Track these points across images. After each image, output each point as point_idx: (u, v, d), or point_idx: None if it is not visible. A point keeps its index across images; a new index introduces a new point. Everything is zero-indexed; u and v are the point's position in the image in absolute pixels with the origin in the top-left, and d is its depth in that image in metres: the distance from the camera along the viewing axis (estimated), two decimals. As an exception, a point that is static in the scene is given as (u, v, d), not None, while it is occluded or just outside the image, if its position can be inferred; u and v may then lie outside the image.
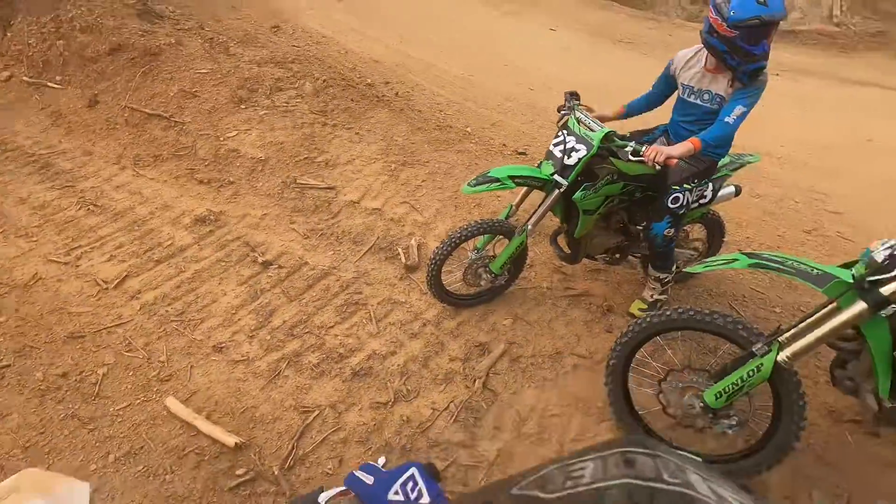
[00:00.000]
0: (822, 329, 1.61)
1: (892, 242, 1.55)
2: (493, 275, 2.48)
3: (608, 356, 2.09)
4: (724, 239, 2.77)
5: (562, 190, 2.20)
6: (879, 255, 1.53)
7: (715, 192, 2.34)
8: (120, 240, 3.14)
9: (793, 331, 1.70)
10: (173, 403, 2.21)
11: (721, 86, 2.10)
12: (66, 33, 4.69)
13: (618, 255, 2.55)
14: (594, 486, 0.32)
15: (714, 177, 2.31)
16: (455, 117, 4.57)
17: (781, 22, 1.95)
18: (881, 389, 1.66)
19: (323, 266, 2.95)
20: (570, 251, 2.52)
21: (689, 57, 2.20)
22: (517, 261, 2.53)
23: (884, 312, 1.50)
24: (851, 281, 1.55)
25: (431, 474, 1.08)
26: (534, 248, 3.06)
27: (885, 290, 1.47)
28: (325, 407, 2.24)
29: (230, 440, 2.06)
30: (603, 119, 2.32)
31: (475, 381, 2.34)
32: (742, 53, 1.92)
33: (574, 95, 2.30)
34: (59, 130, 4.21)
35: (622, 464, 0.33)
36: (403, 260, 2.96)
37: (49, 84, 4.58)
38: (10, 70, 4.71)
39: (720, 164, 2.33)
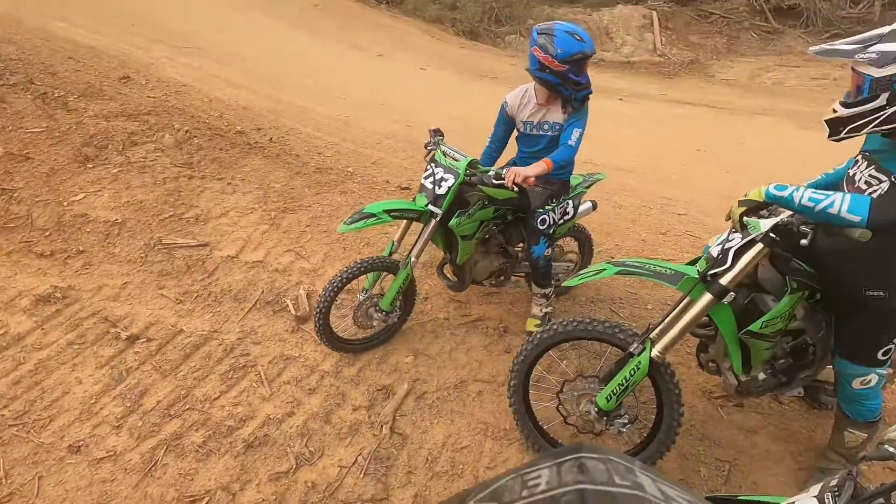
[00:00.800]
0: (683, 322, 1.79)
1: (723, 238, 1.79)
2: (384, 313, 2.44)
3: (508, 377, 2.14)
4: (594, 248, 3.02)
5: (438, 219, 2.27)
6: (715, 251, 1.76)
7: (575, 208, 2.59)
8: (-68, 337, 2.57)
9: (660, 327, 1.87)
10: (16, 529, 1.82)
11: (557, 115, 2.36)
12: None
13: (502, 277, 2.66)
14: (549, 493, 0.33)
15: (572, 195, 2.55)
16: (335, 158, 4.51)
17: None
18: (735, 366, 1.88)
19: (201, 331, 2.68)
20: (456, 279, 2.57)
21: (519, 97, 2.44)
22: (407, 295, 2.51)
23: (726, 300, 1.71)
24: (697, 276, 1.75)
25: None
26: (428, 281, 3.07)
27: (724, 281, 1.68)
28: (215, 490, 1.99)
29: (97, 558, 1.73)
30: None
31: (382, 427, 2.25)
32: (572, 83, 2.20)
33: (437, 132, 2.42)
34: None
35: (576, 470, 0.34)
36: (293, 311, 2.79)
37: None
38: None
39: (575, 183, 2.59)
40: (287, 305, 2.84)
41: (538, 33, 2.18)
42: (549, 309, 2.68)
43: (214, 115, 4.72)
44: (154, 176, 3.72)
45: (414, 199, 2.33)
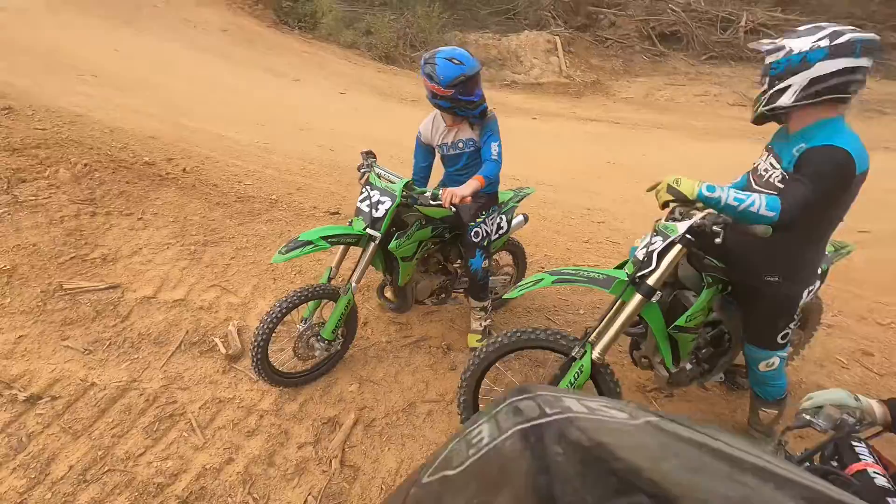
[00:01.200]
0: (618, 323, 1.89)
1: (646, 241, 1.92)
2: (326, 342, 2.36)
3: (457, 393, 2.13)
4: (527, 260, 3.14)
5: (376, 242, 2.24)
6: (640, 254, 1.89)
7: (509, 222, 2.67)
8: None
9: (597, 330, 1.97)
10: None
11: (467, 132, 2.47)
12: None
13: (443, 295, 2.68)
14: (493, 444, 0.33)
15: (504, 210, 2.64)
16: (257, 187, 4.34)
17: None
18: (666, 360, 2.02)
19: (118, 382, 2.42)
20: (398, 301, 2.55)
21: (430, 125, 2.54)
22: (349, 322, 2.45)
23: (654, 299, 1.84)
24: (627, 279, 1.87)
25: None
26: (366, 305, 3.02)
27: (651, 281, 1.81)
28: (147, 559, 1.78)
29: None
30: None
31: (331, 462, 2.15)
32: (465, 103, 2.31)
33: (370, 154, 2.41)
34: None
35: (511, 414, 0.35)
36: (223, 350, 2.61)
37: None
38: None
39: (507, 198, 2.68)
40: (216, 344, 2.65)
41: (424, 63, 2.29)
42: (487, 322, 2.72)
43: (118, 147, 4.36)
44: (49, 215, 3.35)
45: (350, 224, 2.29)
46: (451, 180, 2.58)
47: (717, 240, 1.67)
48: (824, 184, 1.56)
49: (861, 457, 0.94)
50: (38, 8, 7.99)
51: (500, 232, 2.63)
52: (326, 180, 4.83)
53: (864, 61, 1.55)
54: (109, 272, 3.06)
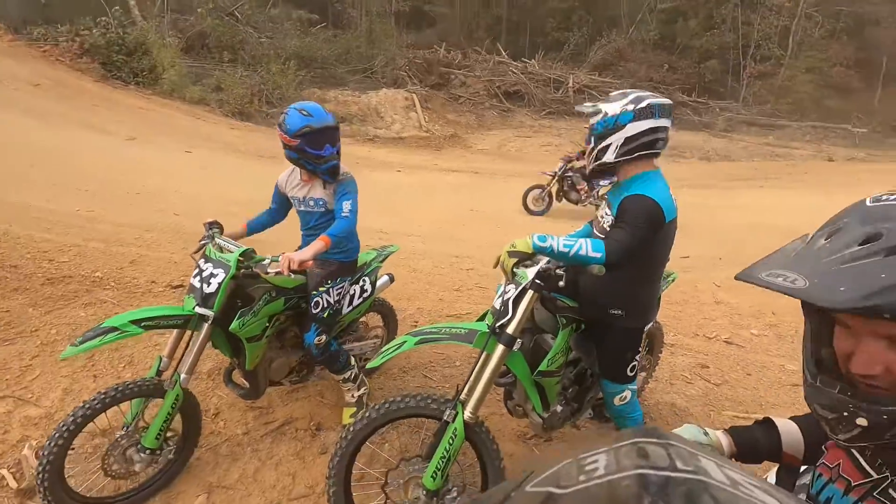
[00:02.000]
0: (485, 376, 1.83)
1: (502, 290, 1.93)
2: (148, 451, 1.91)
3: (326, 484, 1.87)
4: (401, 315, 3.02)
5: (210, 322, 1.94)
6: (497, 303, 1.88)
7: (373, 284, 2.54)
8: None
9: (467, 387, 1.89)
10: None
11: (318, 191, 2.35)
12: None
13: (305, 371, 2.41)
14: (607, 478, 0.31)
15: (368, 271, 2.52)
16: (75, 263, 3.66)
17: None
18: (536, 406, 2.00)
19: None
20: (249, 386, 2.22)
21: (287, 176, 2.44)
22: (188, 419, 2.04)
23: (516, 347, 1.83)
24: (487, 330, 1.84)
25: None
26: (217, 392, 2.60)
27: (510, 330, 1.80)
28: None
29: None
30: (235, 238, 2.28)
31: None
32: (312, 157, 2.21)
33: (214, 224, 2.17)
34: None
35: (634, 455, 0.33)
36: (13, 484, 2.01)
37: None
38: None
39: (370, 258, 2.56)
40: (2, 478, 2.03)
41: (281, 113, 2.26)
42: (361, 391, 2.51)
43: None
44: None
45: (183, 303, 1.95)
46: (305, 242, 2.41)
47: (561, 283, 1.73)
48: (638, 228, 1.73)
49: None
50: None
51: (366, 295, 2.48)
52: (169, 248, 4.27)
53: (664, 121, 1.79)
54: None
